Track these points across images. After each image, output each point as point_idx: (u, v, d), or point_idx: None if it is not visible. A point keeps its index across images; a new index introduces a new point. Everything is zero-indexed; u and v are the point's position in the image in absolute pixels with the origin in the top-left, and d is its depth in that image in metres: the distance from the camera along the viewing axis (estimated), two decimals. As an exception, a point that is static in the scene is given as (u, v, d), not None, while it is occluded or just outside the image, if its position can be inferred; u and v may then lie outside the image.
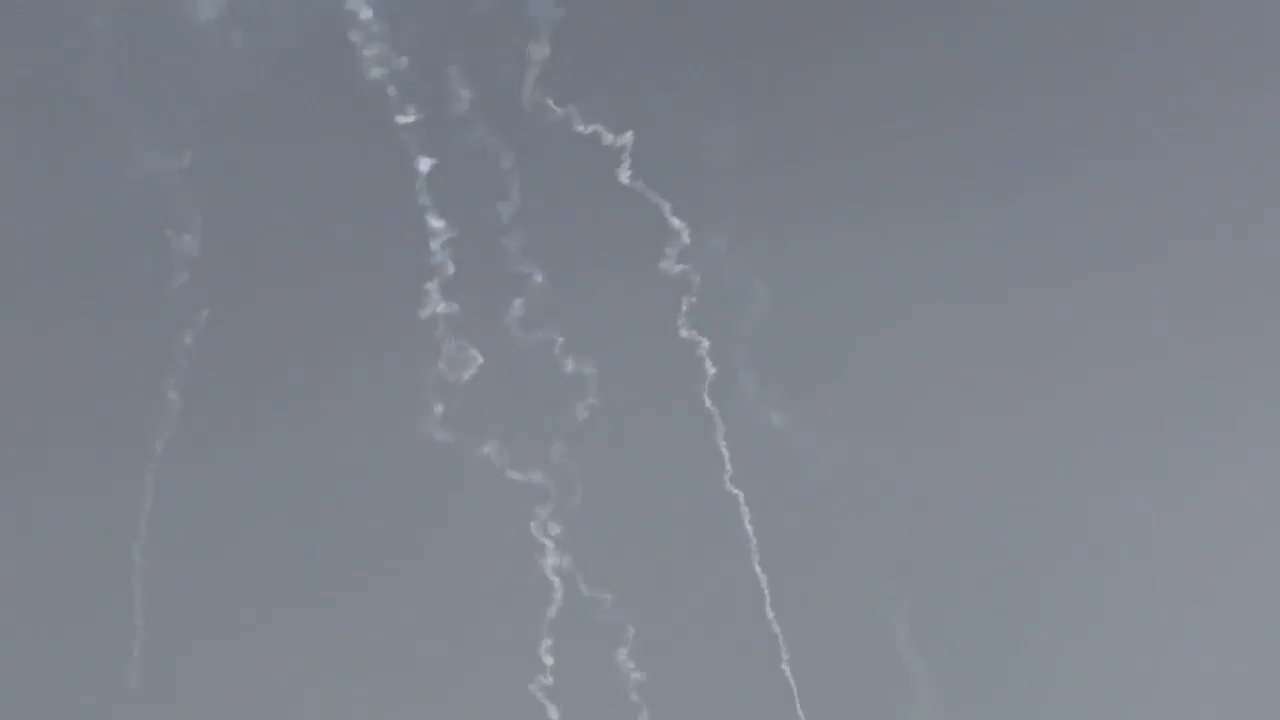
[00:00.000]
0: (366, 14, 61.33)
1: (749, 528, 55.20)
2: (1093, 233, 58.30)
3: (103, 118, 55.96)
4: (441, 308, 55.13)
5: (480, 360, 55.39)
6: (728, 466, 55.48)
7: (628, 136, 59.57)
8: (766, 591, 54.44)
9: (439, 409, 53.17)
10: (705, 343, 57.54)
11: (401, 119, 58.76)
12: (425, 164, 57.25)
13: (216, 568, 52.65)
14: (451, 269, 54.75)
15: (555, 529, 54.06)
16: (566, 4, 61.06)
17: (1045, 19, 58.47)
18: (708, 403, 56.83)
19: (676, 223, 58.28)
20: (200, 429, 52.42)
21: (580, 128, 57.69)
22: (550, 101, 57.28)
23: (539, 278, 56.06)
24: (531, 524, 54.00)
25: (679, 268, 58.16)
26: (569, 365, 56.14)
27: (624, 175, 58.97)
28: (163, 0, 57.34)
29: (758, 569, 54.81)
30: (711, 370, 57.21)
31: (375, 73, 59.46)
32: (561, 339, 56.27)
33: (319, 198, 56.08)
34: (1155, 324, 56.95)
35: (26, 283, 53.85)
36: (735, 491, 55.24)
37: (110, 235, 54.14)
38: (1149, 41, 58.24)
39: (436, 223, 56.04)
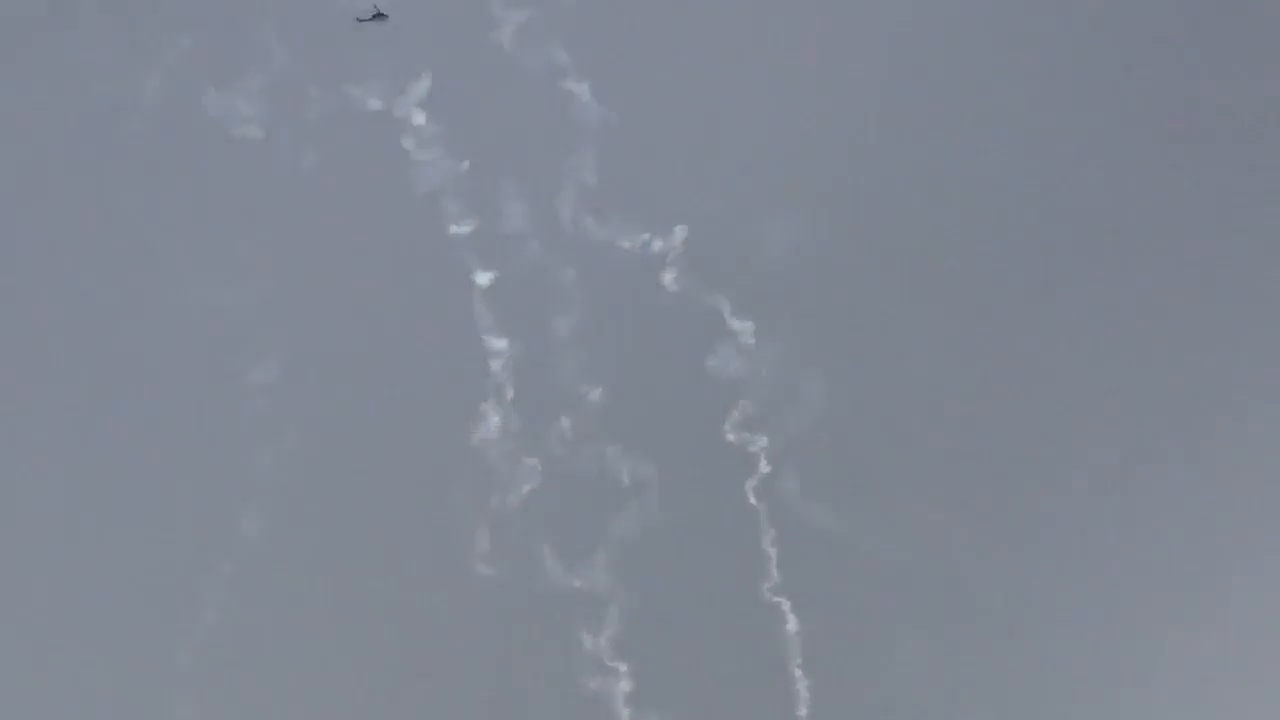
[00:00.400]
0: (419, 119, 61.73)
1: (793, 630, 55.91)
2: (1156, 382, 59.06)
3: (154, 241, 57.38)
4: (497, 425, 56.10)
5: (539, 471, 56.33)
6: (774, 574, 56.13)
7: (678, 235, 60.04)
8: (806, 694, 55.35)
9: (485, 544, 54.32)
10: (761, 441, 58.09)
11: (456, 229, 59.45)
12: (484, 278, 57.97)
13: (272, 689, 54.12)
14: (511, 392, 55.80)
15: (610, 642, 55.06)
16: (616, 107, 61.60)
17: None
18: (753, 500, 57.49)
19: (735, 324, 58.81)
20: (269, 554, 53.84)
21: (626, 243, 58.36)
22: (591, 220, 57.97)
23: (596, 393, 56.91)
24: (593, 638, 55.09)
25: (731, 367, 58.70)
26: (625, 477, 56.95)
27: (669, 280, 59.59)
28: (203, 119, 58.66)
29: (798, 673, 55.66)
30: (765, 469, 57.88)
31: (430, 180, 60.06)
32: (615, 449, 57.06)
33: (377, 316, 57.02)
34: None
35: (97, 408, 55.29)
36: (777, 600, 55.95)
37: (180, 367, 55.40)
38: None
39: (497, 342, 56.92)
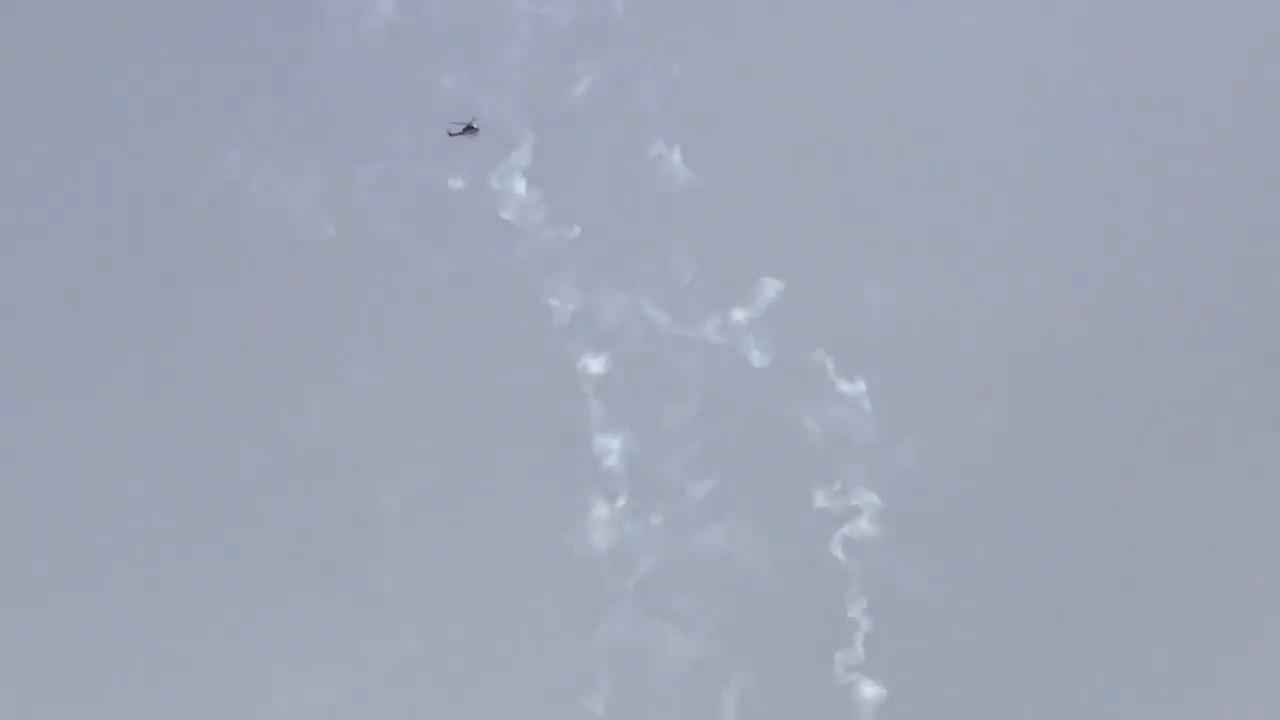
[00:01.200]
0: (519, 188, 61.38)
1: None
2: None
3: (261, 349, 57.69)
4: (608, 538, 56.66)
5: (653, 558, 57.06)
6: (860, 651, 56.70)
7: (777, 298, 60.07)
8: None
9: (604, 686, 55.30)
10: (858, 504, 58.55)
11: (556, 302, 59.44)
12: (595, 365, 58.27)
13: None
14: (623, 500, 56.46)
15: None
16: (700, 169, 61.42)
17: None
18: (839, 554, 58.07)
19: (839, 385, 59.06)
20: (389, 669, 54.85)
21: (719, 337, 58.77)
22: (677, 325, 58.45)
23: (707, 485, 57.47)
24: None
25: (832, 430, 59.08)
26: (739, 567, 57.47)
27: (754, 365, 59.80)
28: (285, 210, 58.84)
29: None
30: (864, 532, 58.39)
31: (539, 252, 59.97)
32: (721, 533, 57.64)
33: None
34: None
35: (218, 528, 56.18)
36: (854, 677, 56.73)
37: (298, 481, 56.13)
38: None
39: (610, 441, 57.52)
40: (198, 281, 58.35)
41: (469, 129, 58.44)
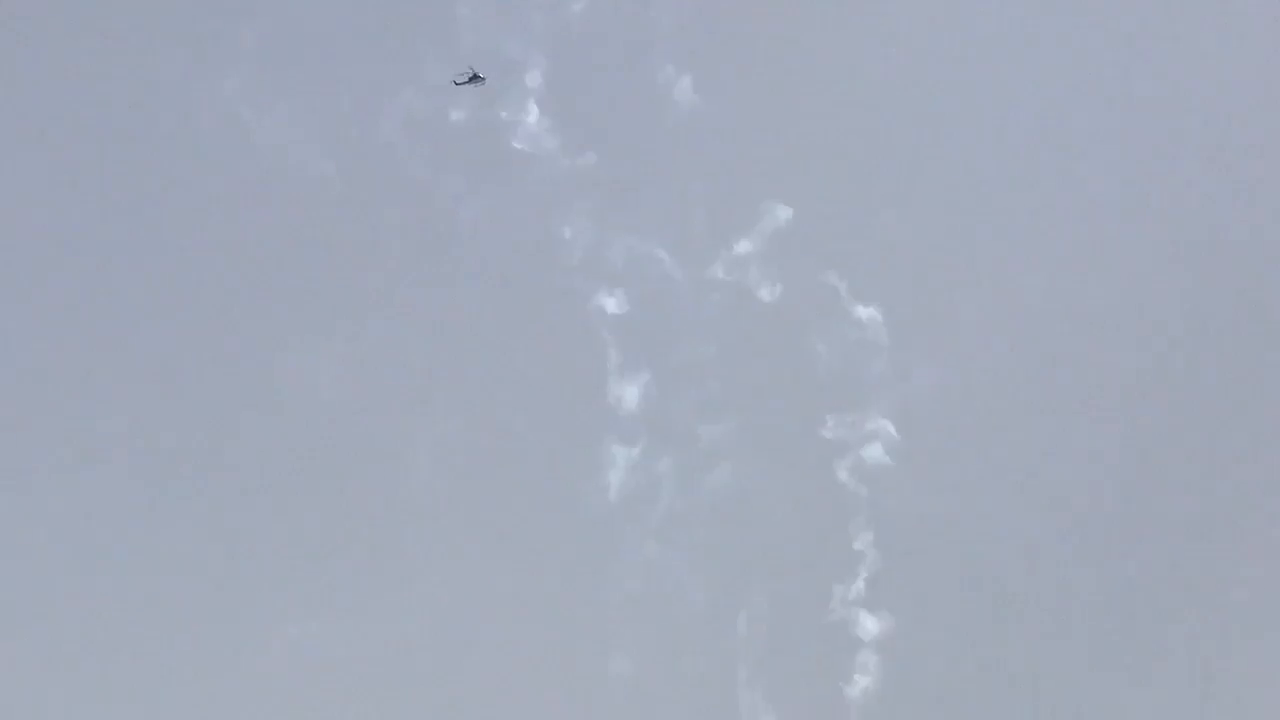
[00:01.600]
0: (532, 115, 61.70)
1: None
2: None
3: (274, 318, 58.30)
4: (627, 482, 57.37)
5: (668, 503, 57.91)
6: (862, 587, 57.09)
7: (788, 223, 60.30)
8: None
9: (621, 632, 56.21)
10: (872, 431, 58.90)
11: (570, 232, 59.87)
12: (611, 305, 58.91)
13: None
14: (640, 444, 57.18)
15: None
16: (706, 94, 61.48)
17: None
18: (844, 480, 58.50)
19: (858, 310, 59.33)
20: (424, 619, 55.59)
21: (729, 275, 59.21)
22: (688, 260, 58.89)
23: (724, 425, 58.10)
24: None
25: (845, 356, 59.39)
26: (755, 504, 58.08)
27: (766, 294, 60.07)
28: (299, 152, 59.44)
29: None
30: (884, 459, 58.75)
31: (552, 181, 60.37)
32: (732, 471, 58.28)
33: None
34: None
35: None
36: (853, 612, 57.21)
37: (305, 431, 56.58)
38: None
39: (626, 386, 58.22)
40: (200, 226, 59.02)
41: (474, 78, 58.88)
